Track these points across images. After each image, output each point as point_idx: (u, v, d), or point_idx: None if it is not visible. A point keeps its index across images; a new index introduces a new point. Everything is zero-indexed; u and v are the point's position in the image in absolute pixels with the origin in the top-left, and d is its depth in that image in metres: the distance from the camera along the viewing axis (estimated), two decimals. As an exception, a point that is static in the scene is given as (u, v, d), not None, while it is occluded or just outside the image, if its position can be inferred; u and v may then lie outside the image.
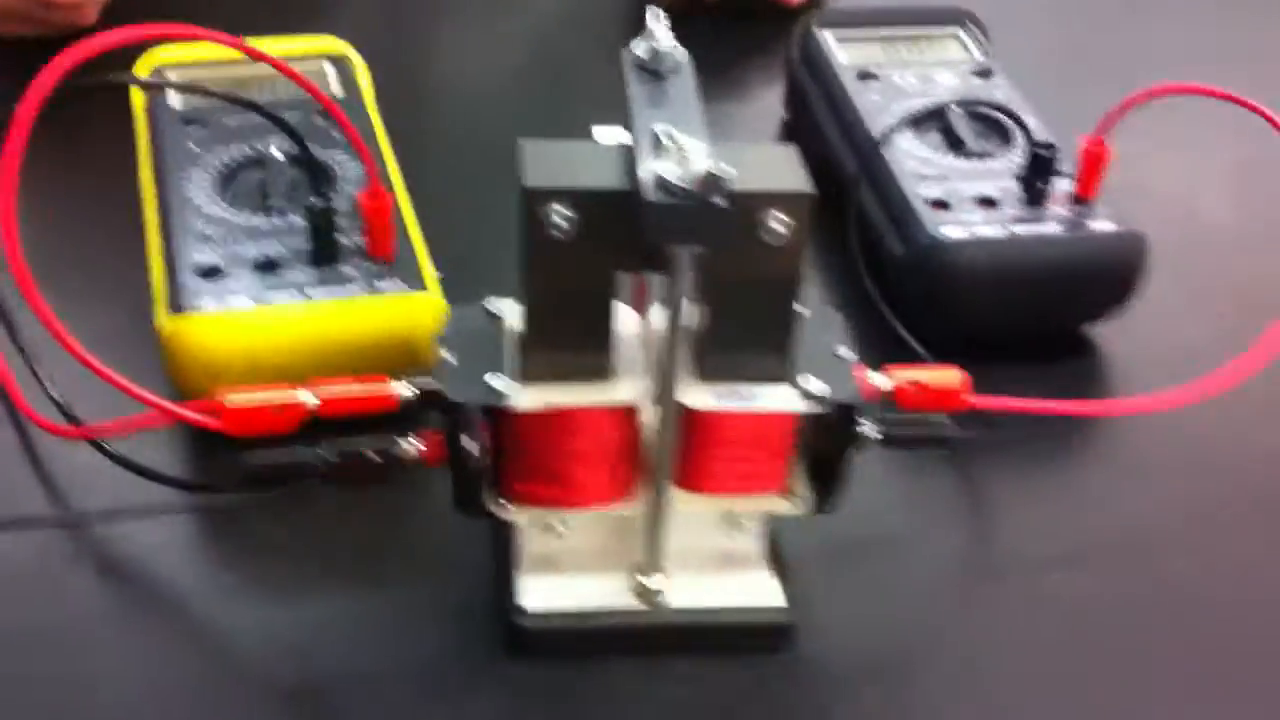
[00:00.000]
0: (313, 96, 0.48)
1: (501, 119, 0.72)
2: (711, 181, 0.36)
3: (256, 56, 0.44)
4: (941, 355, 0.56)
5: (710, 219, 0.36)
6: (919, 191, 0.60)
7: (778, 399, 0.43)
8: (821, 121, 0.68)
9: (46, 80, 0.40)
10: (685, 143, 0.36)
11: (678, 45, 0.42)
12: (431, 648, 0.45)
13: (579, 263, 0.40)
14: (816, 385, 0.43)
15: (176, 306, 0.49)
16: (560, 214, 0.38)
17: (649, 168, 0.37)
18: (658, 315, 0.42)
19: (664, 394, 0.41)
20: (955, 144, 0.63)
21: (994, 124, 0.64)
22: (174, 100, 0.59)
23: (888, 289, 0.60)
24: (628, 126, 0.40)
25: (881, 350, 0.58)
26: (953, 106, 0.64)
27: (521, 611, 0.45)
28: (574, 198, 0.39)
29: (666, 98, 0.41)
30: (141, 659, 0.44)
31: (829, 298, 0.62)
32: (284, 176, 0.54)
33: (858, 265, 0.60)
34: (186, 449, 0.50)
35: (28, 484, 0.49)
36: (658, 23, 0.42)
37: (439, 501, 0.44)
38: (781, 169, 0.40)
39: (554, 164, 0.39)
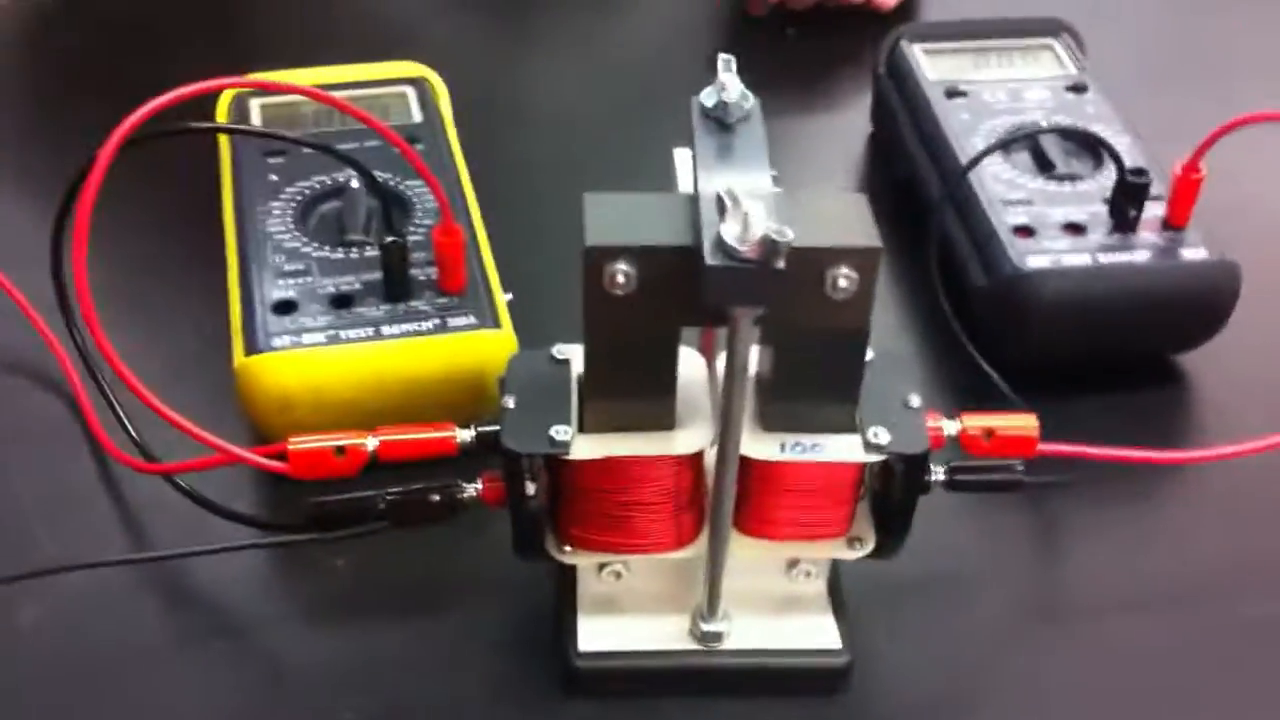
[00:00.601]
0: (391, 127, 0.48)
1: (585, 143, 0.72)
2: (770, 245, 0.35)
3: (321, 99, 0.45)
4: (1023, 385, 0.55)
5: (769, 282, 0.36)
6: (1004, 218, 0.59)
7: (842, 450, 0.42)
8: (907, 139, 0.67)
9: (124, 129, 0.41)
10: (747, 203, 0.36)
11: (747, 94, 0.41)
12: (489, 682, 0.46)
13: (641, 316, 0.39)
14: (883, 436, 0.42)
15: (250, 345, 0.50)
16: (622, 271, 0.38)
17: (710, 229, 0.36)
18: (724, 363, 0.42)
19: (725, 448, 0.41)
20: (1044, 166, 0.62)
21: (1086, 142, 0.63)
22: (256, 130, 0.60)
23: (969, 317, 0.59)
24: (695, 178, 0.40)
25: (961, 380, 0.58)
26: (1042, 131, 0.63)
27: (578, 652, 0.45)
28: (635, 254, 0.38)
29: (733, 149, 0.40)
30: (206, 686, 0.46)
31: (907, 324, 0.61)
32: (361, 208, 0.55)
33: (938, 293, 0.59)
34: (257, 482, 0.51)
35: (106, 516, 0.51)
36: (728, 72, 0.41)
37: (501, 538, 0.44)
38: (850, 222, 0.40)
39: (616, 219, 0.39)
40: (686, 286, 0.37)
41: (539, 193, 0.66)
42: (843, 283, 0.39)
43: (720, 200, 0.36)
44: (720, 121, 0.41)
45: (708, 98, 0.41)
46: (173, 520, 0.49)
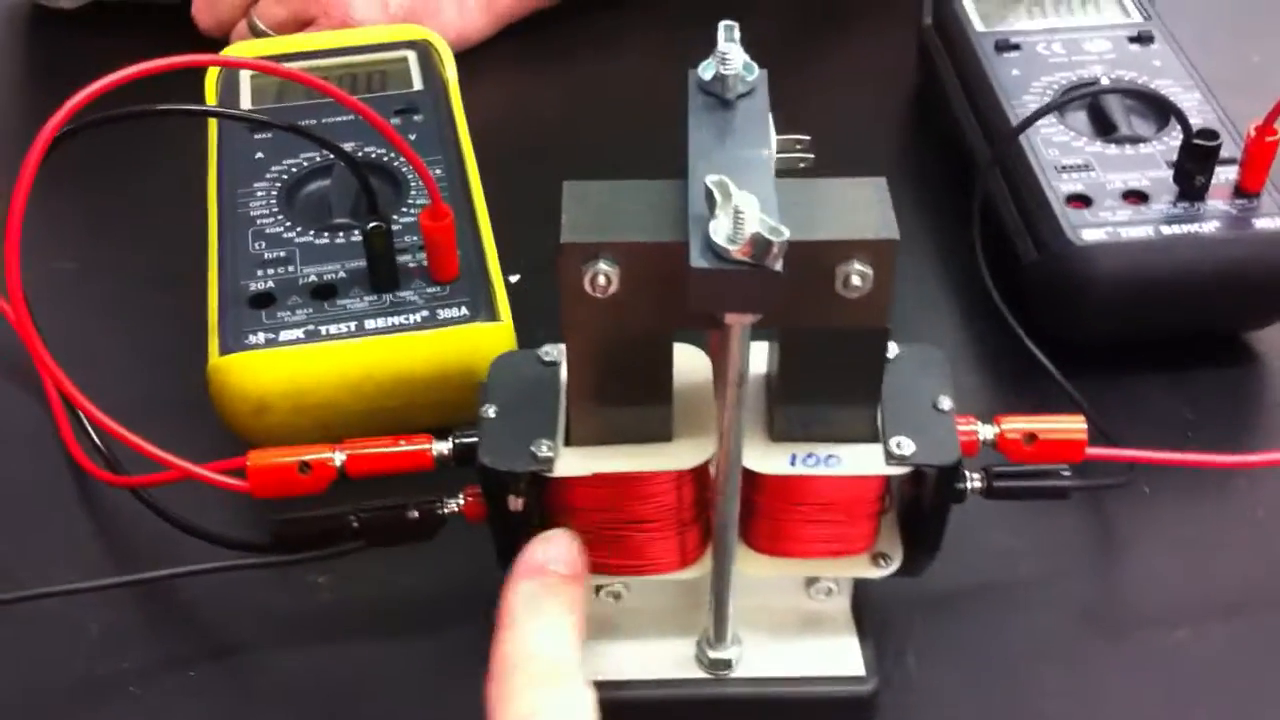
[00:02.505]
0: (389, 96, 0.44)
1: (613, 106, 0.67)
2: (763, 246, 0.31)
3: (280, 74, 0.41)
4: (1078, 368, 0.51)
5: (764, 286, 0.31)
6: (1057, 186, 0.53)
7: (861, 462, 0.38)
8: (951, 95, 0.62)
9: (61, 116, 0.37)
10: (739, 197, 0.31)
11: (750, 65, 0.36)
12: (479, 709, 0.42)
13: (626, 320, 0.35)
14: (907, 446, 0.38)
15: (224, 344, 0.46)
16: (603, 271, 0.34)
17: (698, 227, 0.32)
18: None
19: (725, 466, 0.37)
20: (1104, 127, 0.56)
21: (1151, 100, 0.57)
22: (245, 104, 0.56)
23: (1018, 296, 0.54)
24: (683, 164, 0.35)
25: (1007, 364, 0.53)
26: (1098, 85, 0.57)
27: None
28: (616, 252, 0.34)
29: (732, 130, 0.36)
30: (183, 711, 0.42)
31: (947, 303, 0.56)
32: (350, 188, 0.50)
33: (981, 269, 0.54)
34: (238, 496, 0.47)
35: (75, 530, 0.47)
36: (730, 41, 0.36)
37: (492, 550, 0.40)
38: (863, 209, 0.35)
39: (595, 212, 0.35)
40: (677, 287, 0.33)
41: (555, 167, 0.61)
42: (855, 279, 0.34)
43: (709, 192, 0.32)
44: (719, 98, 0.36)
45: (705, 70, 0.36)
46: (144, 534, 0.46)
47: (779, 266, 0.31)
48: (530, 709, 0.33)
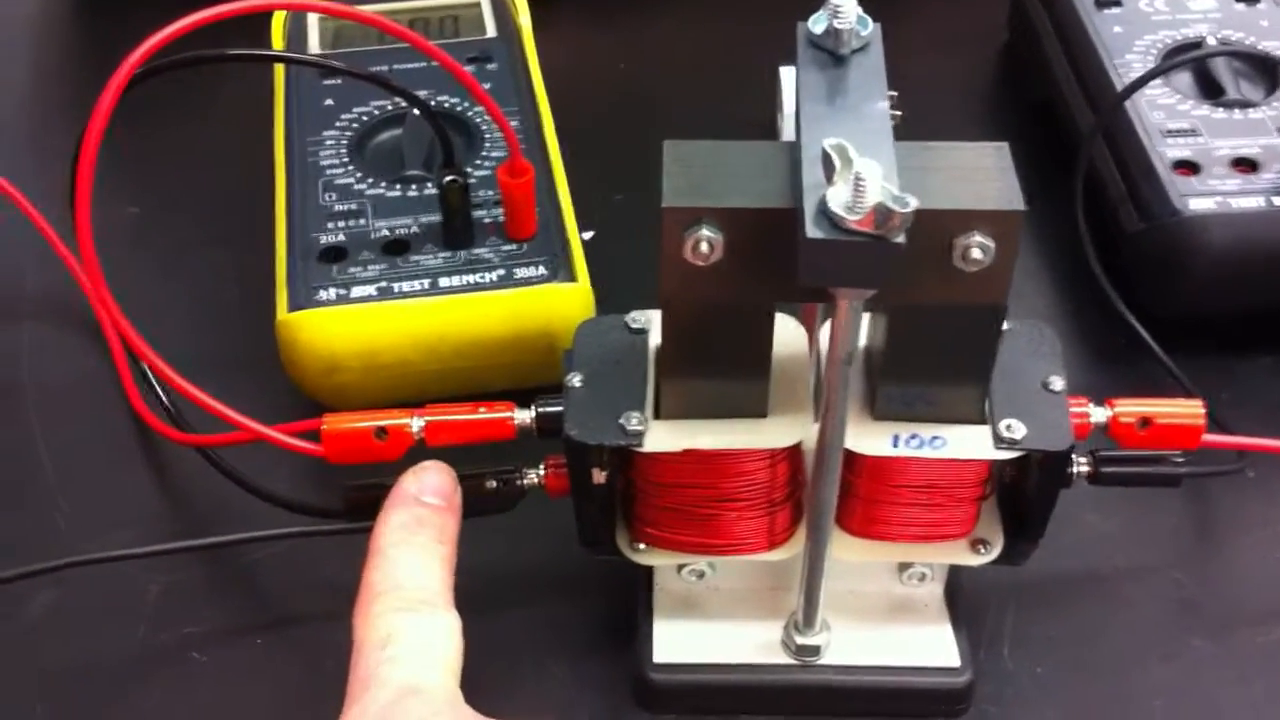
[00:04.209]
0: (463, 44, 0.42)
1: (688, 52, 0.65)
2: (886, 216, 0.28)
3: (361, 19, 0.39)
4: (1182, 345, 0.48)
5: (883, 259, 0.29)
6: (1163, 152, 0.51)
7: (969, 445, 0.36)
8: (1049, 54, 0.59)
9: (131, 64, 0.35)
10: (860, 163, 0.29)
11: (865, 18, 0.34)
12: (550, 690, 0.41)
13: (727, 290, 0.33)
14: (1018, 429, 0.35)
15: (294, 299, 0.44)
16: (706, 238, 0.32)
17: (813, 193, 0.30)
18: (826, 344, 0.35)
19: (827, 448, 0.34)
20: (1211, 90, 0.53)
21: (1259, 63, 0.54)
22: (313, 49, 0.54)
23: (1120, 267, 0.51)
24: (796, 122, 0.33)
25: (1107, 340, 0.50)
26: (1211, 47, 0.54)
27: (653, 663, 0.40)
28: (721, 218, 0.32)
29: (845, 87, 0.33)
30: (242, 687, 0.41)
31: (1045, 274, 0.54)
32: (423, 139, 0.48)
33: (1083, 239, 0.51)
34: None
35: (137, 488, 0.46)
36: (844, -11, 0.34)
37: (573, 525, 0.39)
38: (985, 178, 0.33)
39: (700, 174, 0.32)
40: (783, 257, 0.31)
41: (633, 120, 0.59)
42: (975, 253, 0.32)
43: (827, 157, 0.30)
44: (831, 53, 0.34)
45: (816, 23, 0.34)
46: (207, 494, 0.44)
47: (900, 239, 0.29)
48: (388, 632, 0.34)
